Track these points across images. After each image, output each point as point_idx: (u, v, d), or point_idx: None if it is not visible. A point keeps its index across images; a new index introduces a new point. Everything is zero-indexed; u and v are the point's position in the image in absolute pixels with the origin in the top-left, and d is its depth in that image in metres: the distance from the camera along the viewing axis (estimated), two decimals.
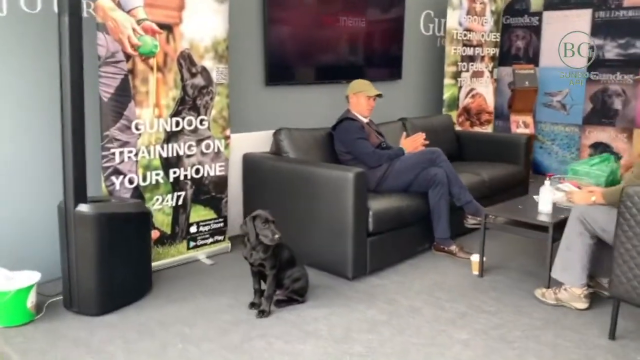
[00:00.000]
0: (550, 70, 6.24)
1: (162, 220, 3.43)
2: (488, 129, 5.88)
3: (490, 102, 5.88)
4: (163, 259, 3.45)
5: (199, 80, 3.45)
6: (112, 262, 2.85)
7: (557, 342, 2.59)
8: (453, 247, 3.70)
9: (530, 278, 3.33)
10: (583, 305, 2.90)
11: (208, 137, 3.56)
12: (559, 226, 3.06)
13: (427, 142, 3.93)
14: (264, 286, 2.94)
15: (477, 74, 5.71)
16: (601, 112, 5.96)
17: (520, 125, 6.15)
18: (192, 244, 3.60)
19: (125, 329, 2.70)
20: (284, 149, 3.74)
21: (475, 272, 3.41)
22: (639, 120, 5.71)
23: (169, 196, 3.44)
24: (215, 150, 3.60)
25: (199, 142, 3.52)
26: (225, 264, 3.59)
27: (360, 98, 3.89)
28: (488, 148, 4.97)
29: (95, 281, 2.81)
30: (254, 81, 4.15)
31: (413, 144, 3.89)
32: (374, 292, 3.16)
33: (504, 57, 6.28)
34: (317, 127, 4.08)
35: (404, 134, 4.07)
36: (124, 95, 3.14)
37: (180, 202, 3.49)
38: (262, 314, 2.84)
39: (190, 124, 3.45)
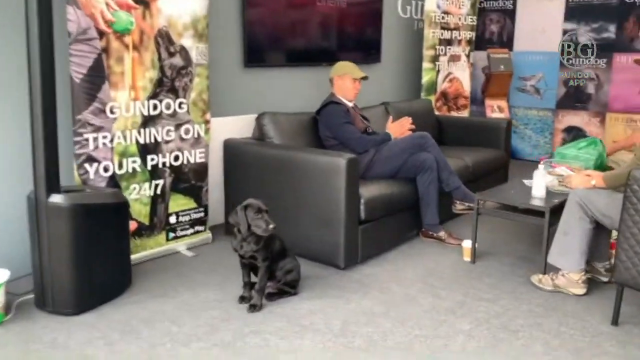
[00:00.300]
0: (524, 55, 6.23)
1: (139, 210, 3.21)
2: (464, 114, 5.83)
3: (466, 87, 5.83)
4: (141, 251, 3.23)
5: (177, 60, 3.22)
6: (89, 256, 2.62)
7: (561, 329, 2.53)
8: (442, 234, 3.61)
9: (523, 263, 3.28)
10: (581, 291, 2.85)
11: (187, 122, 3.34)
12: (554, 211, 3.01)
13: (413, 126, 3.83)
14: (254, 279, 2.78)
15: (455, 58, 5.64)
16: (574, 97, 6.00)
17: (495, 109, 6.14)
18: (171, 235, 3.39)
19: (106, 329, 2.50)
20: (268, 134, 3.56)
21: (467, 258, 3.33)
22: (612, 104, 5.77)
23: (147, 185, 3.22)
24: (195, 135, 3.39)
25: (177, 126, 3.30)
26: (207, 255, 3.40)
27: (346, 81, 3.74)
28: (468, 133, 4.91)
29: (70, 277, 2.58)
30: (232, 62, 3.94)
31: (400, 128, 3.78)
32: (367, 281, 3.04)
33: (478, 42, 6.23)
34: (297, 111, 3.91)
35: (390, 118, 3.94)
36: (98, 75, 2.89)
37: (158, 191, 3.27)
38: (254, 308, 2.68)
39: (168, 107, 3.23)
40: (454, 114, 5.69)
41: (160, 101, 3.18)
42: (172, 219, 3.37)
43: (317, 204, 3.14)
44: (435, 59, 5.39)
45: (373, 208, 3.24)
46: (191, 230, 3.49)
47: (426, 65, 5.35)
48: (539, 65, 6.16)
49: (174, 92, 3.24)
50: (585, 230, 2.78)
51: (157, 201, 3.28)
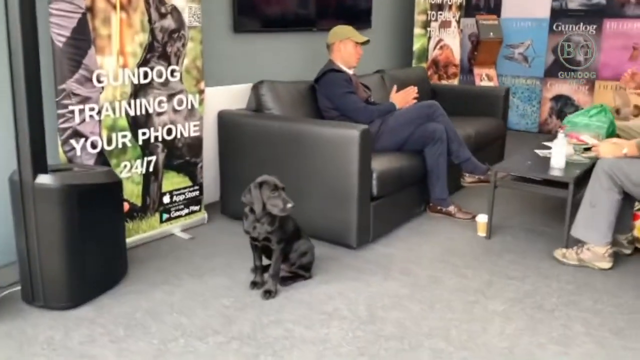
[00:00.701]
0: (512, 22, 6.07)
1: (131, 190, 2.91)
2: (454, 83, 5.65)
3: (457, 55, 5.64)
4: (134, 235, 2.95)
5: (169, 23, 2.89)
6: (82, 242, 2.33)
7: (598, 307, 2.40)
8: (451, 208, 3.44)
9: (539, 237, 3.15)
10: (607, 265, 2.73)
11: (180, 92, 3.03)
12: (576, 182, 2.87)
13: (418, 95, 3.62)
14: (265, 262, 2.55)
15: (445, 24, 5.42)
16: (563, 64, 5.89)
17: (484, 78, 5.98)
18: (165, 216, 3.11)
19: (108, 324, 2.23)
20: (267, 104, 3.28)
21: (482, 233, 3.18)
22: (601, 71, 5.69)
23: (139, 162, 2.91)
24: (189, 106, 3.09)
25: (170, 97, 2.99)
26: (205, 237, 3.14)
27: (348, 45, 3.48)
28: (463, 102, 4.72)
29: (62, 266, 2.30)
30: (221, 27, 3.62)
31: (405, 98, 3.56)
32: (384, 262, 2.85)
33: (466, 8, 6.02)
34: (289, 80, 3.63)
35: (395, 87, 3.72)
36: (82, 39, 2.55)
37: (151, 169, 2.98)
38: (269, 294, 2.45)
39: (160, 75, 2.91)
40: (444, 82, 5.50)
41: (152, 69, 2.86)
42: (166, 199, 3.09)
43: (326, 180, 2.91)
44: (426, 24, 5.17)
45: (385, 183, 3.03)
46: (186, 211, 3.21)
47: (417, 31, 5.12)
48: (527, 32, 6.01)
49: (166, 58, 2.92)
50: (613, 202, 2.65)
51: (150, 179, 2.99)
